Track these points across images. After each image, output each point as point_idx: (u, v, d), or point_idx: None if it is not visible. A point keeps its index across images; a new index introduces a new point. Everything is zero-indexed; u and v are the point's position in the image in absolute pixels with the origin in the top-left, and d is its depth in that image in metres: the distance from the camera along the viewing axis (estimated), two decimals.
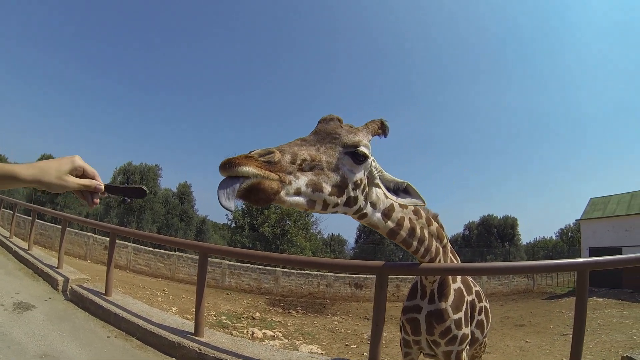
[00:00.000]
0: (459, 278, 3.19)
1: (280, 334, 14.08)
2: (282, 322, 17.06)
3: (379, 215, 2.32)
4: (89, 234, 24.66)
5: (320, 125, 2.03)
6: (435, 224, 2.85)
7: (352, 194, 2.04)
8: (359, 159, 2.03)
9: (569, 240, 51.24)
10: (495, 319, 20.24)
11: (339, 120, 2.07)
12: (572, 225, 52.14)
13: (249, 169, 1.54)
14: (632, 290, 25.87)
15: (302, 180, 1.79)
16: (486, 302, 3.61)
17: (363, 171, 2.10)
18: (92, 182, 1.35)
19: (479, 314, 3.40)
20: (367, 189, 2.16)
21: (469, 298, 3.24)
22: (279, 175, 1.65)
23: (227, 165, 1.51)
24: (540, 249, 50.44)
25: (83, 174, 1.35)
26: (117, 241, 7.39)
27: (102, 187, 1.40)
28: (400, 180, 2.34)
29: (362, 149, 2.02)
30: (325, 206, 1.93)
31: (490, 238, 52.20)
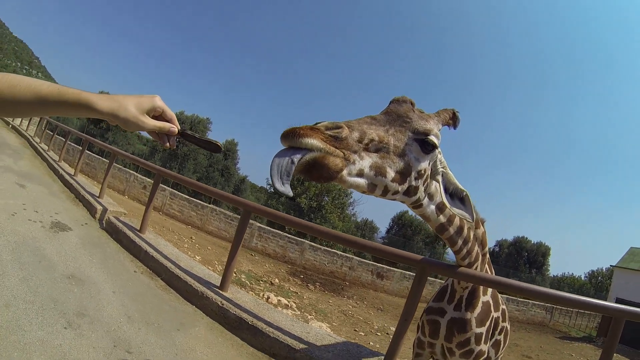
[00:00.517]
0: (489, 291, 3.06)
1: (294, 305, 14.19)
2: (299, 293, 17.19)
3: (433, 207, 2.20)
4: (130, 171, 25.37)
5: (392, 106, 1.92)
6: (482, 229, 2.74)
7: (413, 183, 1.94)
8: (428, 147, 1.92)
9: (597, 285, 50.26)
10: None
11: (412, 104, 1.96)
12: (604, 270, 51.07)
13: (315, 141, 1.45)
14: None
15: (366, 162, 1.70)
16: (508, 322, 3.47)
17: (429, 161, 2.00)
18: (166, 124, 1.32)
19: (499, 333, 3.27)
20: (428, 180, 2.05)
21: (495, 315, 3.11)
22: (344, 153, 1.56)
23: (291, 135, 1.42)
24: (566, 285, 49.62)
25: (161, 116, 1.31)
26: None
27: (176, 130, 1.38)
28: (461, 186, 2.23)
29: (432, 138, 1.91)
30: (385, 192, 1.84)
31: (519, 261, 51.35)
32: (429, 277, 3.79)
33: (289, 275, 20.75)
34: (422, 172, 1.96)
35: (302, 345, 3.77)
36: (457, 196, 2.24)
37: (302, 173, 1.46)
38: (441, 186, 2.15)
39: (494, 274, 3.19)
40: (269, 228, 24.26)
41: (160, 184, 22.71)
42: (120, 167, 25.46)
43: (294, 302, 14.64)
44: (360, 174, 1.67)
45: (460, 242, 2.55)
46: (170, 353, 3.52)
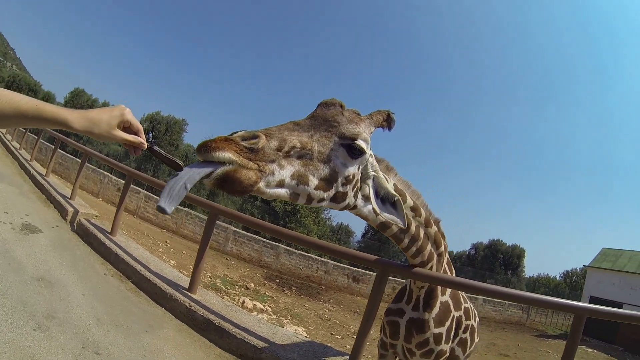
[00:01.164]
0: (448, 291, 3.12)
1: (270, 309, 14.19)
2: (274, 298, 17.18)
3: (370, 207, 2.14)
4: (105, 172, 25.07)
5: (319, 110, 1.89)
6: (434, 228, 2.74)
7: (340, 189, 1.90)
8: (355, 152, 1.88)
9: (572, 284, 50.92)
10: (481, 342, 20.21)
11: (341, 106, 1.93)
12: (578, 270, 51.80)
13: (227, 154, 1.41)
14: (624, 348, 25.71)
15: (287, 171, 1.66)
16: (475, 320, 3.52)
17: (358, 166, 1.97)
18: (137, 139, 1.42)
19: (464, 332, 3.32)
20: (358, 184, 2.03)
21: (456, 314, 3.17)
22: (258, 165, 1.52)
23: (204, 149, 1.40)
24: (541, 285, 50.15)
25: (129, 127, 1.41)
26: (131, 185, 7.50)
27: (145, 146, 1.46)
28: (392, 191, 2.19)
29: (360, 142, 1.87)
30: (309, 200, 1.80)
31: (495, 263, 51.90)
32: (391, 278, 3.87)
33: (264, 279, 20.72)
34: (351, 177, 1.92)
35: (267, 346, 3.84)
36: (388, 201, 2.20)
37: (216, 187, 1.44)
38: (372, 191, 2.12)
39: (454, 274, 3.25)
40: (244, 232, 24.20)
41: (135, 187, 22.29)
42: (95, 168, 25.13)
43: (270, 307, 14.64)
44: (280, 184, 1.64)
45: (407, 240, 2.56)
46: (138, 354, 3.56)
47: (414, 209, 2.56)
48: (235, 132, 1.51)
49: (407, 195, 2.47)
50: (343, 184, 1.89)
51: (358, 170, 1.97)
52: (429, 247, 2.76)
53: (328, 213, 40.03)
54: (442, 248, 2.92)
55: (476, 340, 3.59)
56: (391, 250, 43.21)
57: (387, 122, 2.13)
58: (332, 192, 1.86)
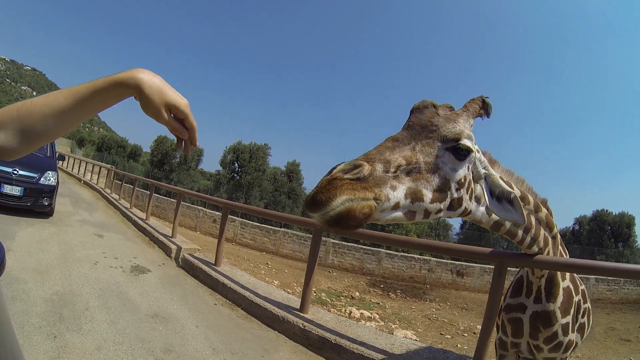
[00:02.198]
0: (567, 275, 2.82)
1: (377, 316, 14.03)
2: (381, 304, 17.00)
3: (482, 209, 1.97)
4: (199, 207, 26.15)
5: (413, 117, 1.73)
6: (544, 211, 2.48)
7: (455, 195, 1.74)
8: (462, 154, 1.71)
9: None
10: (599, 328, 18.85)
11: (434, 106, 1.77)
12: None
13: (342, 198, 1.29)
14: None
15: (399, 192, 1.51)
16: (589, 302, 3.21)
17: (467, 166, 1.79)
18: (179, 127, 1.22)
19: (582, 316, 3.00)
20: (472, 185, 1.85)
21: (576, 299, 2.87)
22: (374, 192, 1.39)
23: (317, 206, 1.28)
24: None
25: (182, 121, 1.23)
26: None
27: (187, 135, 1.26)
28: (508, 188, 1.99)
29: (465, 141, 1.70)
30: (427, 215, 1.66)
31: (602, 236, 48.29)
32: (509, 269, 3.60)
33: (368, 286, 20.58)
34: (462, 180, 1.77)
35: (387, 358, 3.70)
36: (504, 199, 2.02)
37: (328, 226, 1.31)
38: (485, 191, 1.94)
39: (568, 256, 2.96)
40: (343, 242, 24.27)
41: (230, 215, 23.11)
42: (189, 204, 26.33)
43: (377, 313, 14.48)
44: (396, 207, 1.51)
45: (520, 232, 2.34)
46: None
47: (523, 198, 2.31)
48: (334, 169, 1.36)
49: (513, 185, 2.24)
50: (457, 189, 1.75)
51: (468, 170, 1.81)
52: (542, 232, 2.50)
53: None
54: (555, 229, 2.64)
55: (591, 322, 3.26)
56: (491, 237, 41.73)
57: (484, 109, 1.94)
58: (447, 201, 1.71)
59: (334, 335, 4.14)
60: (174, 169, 45.94)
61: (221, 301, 5.64)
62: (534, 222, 2.40)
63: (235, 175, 46.06)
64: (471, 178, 1.83)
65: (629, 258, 44.07)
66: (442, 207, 1.68)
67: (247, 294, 5.43)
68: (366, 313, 13.78)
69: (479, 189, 1.91)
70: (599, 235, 48.20)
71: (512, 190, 1.98)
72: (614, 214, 49.75)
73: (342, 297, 16.46)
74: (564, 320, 2.64)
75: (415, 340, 9.92)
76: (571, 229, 51.98)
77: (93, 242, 7.97)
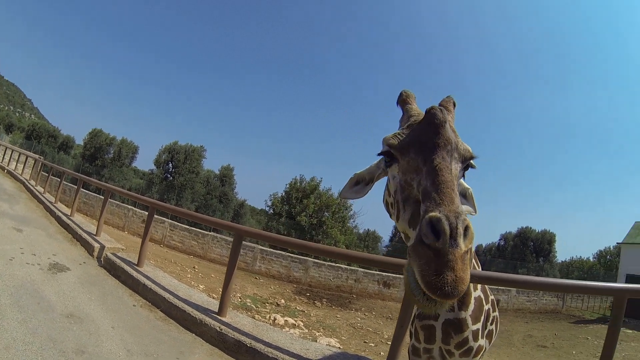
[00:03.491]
0: (479, 286, 3.08)
1: (301, 324, 14.16)
2: (306, 311, 17.15)
3: None
4: (129, 206, 25.57)
5: (444, 133, 1.74)
6: None
7: None
8: (467, 170, 1.90)
9: (606, 264, 49.72)
10: (518, 336, 19.95)
11: (447, 112, 1.86)
12: (612, 248, 50.30)
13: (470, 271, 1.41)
14: None
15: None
16: (497, 311, 3.50)
17: None
18: None
19: (491, 323, 3.28)
20: None
21: (486, 307, 3.14)
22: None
23: (458, 293, 1.30)
24: (575, 269, 49.16)
25: None
26: (155, 216, 7.57)
27: None
28: (466, 185, 2.28)
29: (474, 161, 1.87)
30: None
31: (525, 251, 51.19)
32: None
33: (294, 294, 20.71)
34: None
35: None
36: (462, 194, 2.28)
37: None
38: (458, 182, 2.00)
39: (480, 269, 3.22)
40: (271, 250, 24.30)
41: (159, 216, 22.57)
42: (119, 203, 25.68)
43: (301, 321, 14.61)
44: None
45: None
46: None
47: None
48: (453, 231, 1.33)
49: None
50: None
51: None
52: None
53: (354, 221, 39.85)
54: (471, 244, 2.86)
55: (498, 329, 3.54)
56: None
57: (454, 109, 2.10)
58: None
59: (250, 339, 4.22)
60: (107, 165, 44.40)
61: (141, 302, 5.59)
62: None
63: (169, 175, 45.24)
64: None
65: (548, 272, 46.58)
66: None
67: (167, 295, 5.41)
68: (290, 320, 13.87)
69: None
70: (522, 250, 50.77)
71: (468, 187, 2.28)
72: (537, 231, 52.66)
73: (268, 304, 16.50)
74: (474, 327, 2.86)
75: (339, 348, 10.10)
76: (497, 244, 54.51)
77: (11, 236, 7.64)
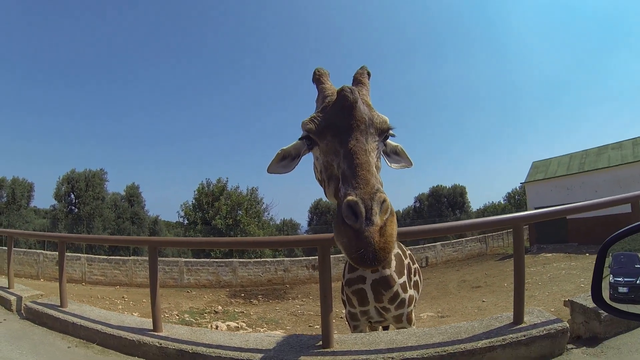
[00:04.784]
0: (395, 244, 3.40)
1: (244, 324, 14.23)
2: (245, 312, 17.21)
3: (389, 163, 2.40)
4: (38, 251, 24.00)
5: (357, 113, 1.90)
6: None
7: (379, 165, 2.09)
8: (387, 138, 2.15)
9: (516, 203, 52.67)
10: (452, 284, 21.15)
11: (359, 92, 2.00)
12: (518, 188, 53.44)
13: (395, 237, 1.59)
14: (578, 243, 27.52)
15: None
16: (417, 263, 3.88)
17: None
18: None
19: (414, 275, 3.64)
20: None
21: (406, 261, 3.47)
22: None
23: (379, 261, 1.51)
24: (490, 213, 51.52)
25: None
26: (68, 253, 7.36)
27: None
28: (394, 143, 2.48)
29: (392, 131, 2.10)
30: None
31: (441, 208, 53.61)
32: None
33: (229, 298, 20.67)
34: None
35: (244, 354, 3.98)
36: (393, 152, 2.51)
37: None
38: (380, 152, 2.22)
39: None
40: (195, 260, 24.12)
41: (74, 253, 21.53)
42: (26, 250, 24.08)
43: (243, 322, 14.68)
44: None
45: None
46: None
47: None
48: (368, 211, 1.52)
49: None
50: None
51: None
52: None
53: (269, 214, 40.09)
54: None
55: (422, 279, 3.95)
56: None
57: (369, 78, 2.31)
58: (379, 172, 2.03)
59: (190, 346, 4.32)
60: (1, 211, 41.21)
61: (75, 342, 5.46)
62: None
63: (73, 207, 42.81)
64: None
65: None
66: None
67: (99, 327, 5.34)
68: (232, 324, 13.90)
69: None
70: (438, 207, 53.12)
71: (398, 144, 2.50)
72: (447, 187, 55.36)
73: (206, 314, 16.41)
74: (400, 280, 3.17)
75: (270, 333, 10.31)
76: (413, 207, 56.58)
77: None
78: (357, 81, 2.25)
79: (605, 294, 1.66)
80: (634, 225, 1.62)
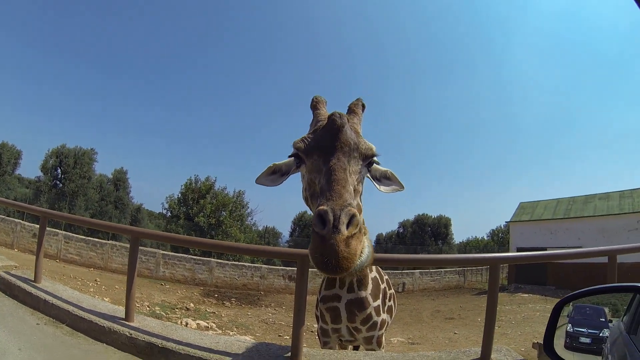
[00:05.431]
0: (374, 268, 3.44)
1: (214, 325, 14.17)
2: (216, 313, 17.14)
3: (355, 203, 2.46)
4: (16, 220, 23.74)
5: (342, 136, 2.04)
6: (361, 217, 3.05)
7: (361, 190, 2.19)
8: (372, 165, 2.24)
9: (499, 241, 52.60)
10: (426, 312, 21.19)
11: (347, 119, 2.14)
12: (502, 227, 53.48)
13: (359, 252, 1.67)
14: (555, 287, 27.68)
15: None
16: (392, 289, 3.95)
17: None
18: None
19: (389, 300, 3.70)
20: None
21: (382, 286, 3.53)
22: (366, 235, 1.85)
23: (342, 269, 1.60)
24: (472, 248, 51.69)
25: None
26: (47, 228, 7.29)
27: None
28: (383, 168, 2.55)
29: (376, 158, 2.21)
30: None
31: (424, 236, 53.63)
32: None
33: (202, 297, 20.56)
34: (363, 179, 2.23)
35: (213, 356, 3.98)
36: (383, 177, 2.58)
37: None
38: (371, 179, 2.46)
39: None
40: (173, 254, 23.96)
41: (52, 228, 21.35)
42: (3, 217, 23.71)
43: (213, 323, 14.61)
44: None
45: None
46: None
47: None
48: (335, 221, 1.60)
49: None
50: (362, 193, 2.21)
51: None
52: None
53: (252, 219, 40.00)
54: (368, 233, 3.23)
55: (396, 305, 4.02)
56: None
57: (363, 111, 2.43)
58: (359, 205, 2.13)
59: (160, 340, 4.31)
60: None
61: (44, 319, 5.42)
62: None
63: (58, 182, 42.22)
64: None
65: (447, 253, 49.06)
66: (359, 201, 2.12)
67: (71, 308, 5.30)
68: (202, 323, 13.84)
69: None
70: (421, 235, 53.16)
71: (387, 169, 2.58)
72: (433, 217, 55.39)
73: (177, 310, 16.31)
74: (375, 304, 3.23)
75: (240, 339, 10.27)
76: (396, 232, 56.58)
77: None
78: (350, 110, 2.39)
79: (560, 343, 1.72)
80: (588, 288, 1.70)
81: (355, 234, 1.63)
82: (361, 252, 1.68)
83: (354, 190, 1.94)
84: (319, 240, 1.61)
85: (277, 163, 2.62)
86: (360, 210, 2.10)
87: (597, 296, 1.79)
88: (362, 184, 2.18)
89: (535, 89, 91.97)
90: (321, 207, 1.64)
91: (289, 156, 2.37)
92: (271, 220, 66.70)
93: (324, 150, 2.02)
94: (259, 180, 2.68)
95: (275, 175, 2.65)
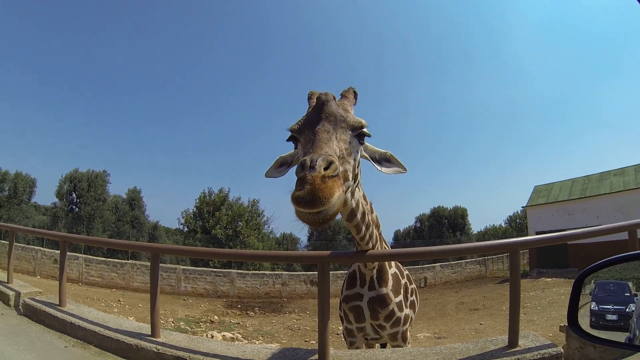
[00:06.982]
0: (393, 263, 3.44)
1: (239, 335, 14.18)
2: (241, 323, 17.15)
3: (349, 193, 2.34)
4: (36, 247, 23.96)
5: (327, 108, 2.15)
6: (374, 213, 3.06)
7: (357, 171, 2.23)
8: (363, 138, 2.26)
9: (517, 227, 51.80)
10: (450, 305, 21.00)
11: (334, 98, 2.25)
12: (519, 212, 52.86)
13: (337, 194, 1.71)
14: (578, 268, 27.20)
15: (349, 182, 2.03)
16: (414, 283, 3.93)
17: (362, 148, 2.33)
18: None
19: (411, 295, 3.68)
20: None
21: (403, 281, 3.52)
22: (344, 186, 1.88)
23: (317, 204, 1.64)
24: (490, 236, 50.80)
25: None
26: (67, 252, 7.35)
27: None
28: (382, 150, 2.61)
29: (366, 129, 2.23)
30: (350, 193, 2.15)
31: (441, 229, 53.25)
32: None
33: (226, 308, 20.58)
34: (359, 160, 2.27)
35: None
36: (384, 159, 2.63)
37: (322, 225, 1.81)
38: (370, 160, 2.53)
39: (390, 249, 3.61)
40: (193, 268, 24.04)
41: (72, 252, 21.43)
42: (24, 245, 23.95)
43: (239, 333, 14.63)
44: (347, 187, 1.99)
45: (364, 228, 2.86)
46: None
47: (364, 197, 2.86)
48: (312, 163, 1.69)
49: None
50: (357, 166, 2.24)
51: (362, 151, 2.33)
52: (375, 231, 3.07)
53: (269, 227, 39.93)
54: (380, 228, 3.26)
55: (419, 299, 4.00)
56: (338, 245, 43.62)
57: (356, 98, 2.50)
58: (356, 179, 2.23)
59: (187, 353, 4.33)
60: (2, 204, 40.85)
61: (72, 342, 5.46)
62: (371, 221, 2.96)
63: (74, 207, 42.59)
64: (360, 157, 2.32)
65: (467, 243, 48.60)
66: (352, 182, 2.13)
67: (97, 329, 5.35)
68: (228, 334, 13.85)
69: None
70: (438, 228, 52.75)
71: (386, 151, 2.63)
72: (449, 208, 54.92)
73: (202, 323, 16.35)
74: (397, 299, 3.24)
75: (267, 346, 10.26)
76: (414, 227, 56.23)
77: None
78: (341, 96, 2.47)
79: (585, 322, 1.69)
80: (609, 258, 1.67)
81: (333, 176, 1.70)
82: (338, 196, 1.72)
83: (341, 158, 1.98)
84: (299, 182, 1.69)
85: (283, 155, 2.77)
86: (355, 179, 2.20)
87: (620, 271, 1.75)
88: (356, 158, 2.21)
89: (538, 67, 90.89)
90: (302, 158, 1.75)
91: (287, 140, 2.45)
92: (288, 227, 66.64)
93: (313, 125, 2.11)
94: (268, 173, 2.82)
95: (283, 167, 2.80)
